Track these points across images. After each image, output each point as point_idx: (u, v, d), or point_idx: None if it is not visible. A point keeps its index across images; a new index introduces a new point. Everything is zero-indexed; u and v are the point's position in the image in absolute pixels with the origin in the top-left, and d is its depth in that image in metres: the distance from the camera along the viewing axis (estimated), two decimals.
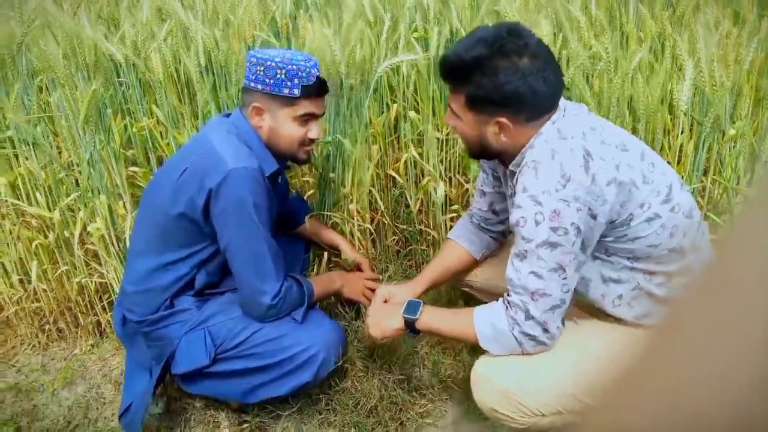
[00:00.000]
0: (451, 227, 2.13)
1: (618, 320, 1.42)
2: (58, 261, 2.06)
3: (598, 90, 1.84)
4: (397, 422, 1.76)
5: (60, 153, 2.13)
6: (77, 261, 2.02)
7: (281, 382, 1.64)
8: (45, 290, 2.08)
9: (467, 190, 2.17)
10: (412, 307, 1.52)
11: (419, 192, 2.15)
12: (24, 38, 1.99)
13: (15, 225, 2.04)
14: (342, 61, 1.83)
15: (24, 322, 2.15)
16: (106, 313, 2.13)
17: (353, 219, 2.06)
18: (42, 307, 2.12)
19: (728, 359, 0.25)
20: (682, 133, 1.84)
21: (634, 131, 1.77)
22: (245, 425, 1.78)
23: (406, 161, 2.13)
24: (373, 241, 2.22)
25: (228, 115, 1.70)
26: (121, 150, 2.05)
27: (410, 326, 1.51)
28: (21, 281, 2.10)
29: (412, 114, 2.10)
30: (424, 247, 2.24)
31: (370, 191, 2.10)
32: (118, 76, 2.20)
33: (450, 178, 2.19)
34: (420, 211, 2.21)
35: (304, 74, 1.57)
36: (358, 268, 1.98)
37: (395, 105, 2.19)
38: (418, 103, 2.16)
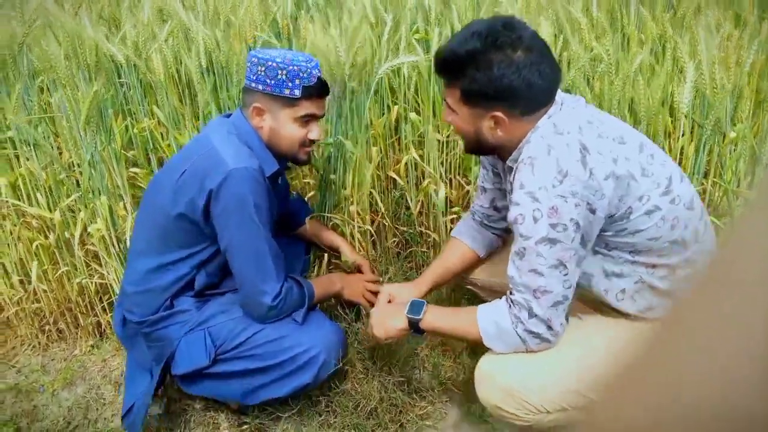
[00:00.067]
0: (451, 229, 2.13)
1: (623, 314, 1.41)
2: (58, 262, 2.07)
3: (599, 92, 1.84)
4: (397, 424, 1.75)
5: (60, 154, 2.13)
6: (77, 262, 2.03)
7: (281, 384, 1.63)
8: (45, 291, 2.08)
9: (468, 192, 2.17)
10: (415, 307, 1.52)
11: (420, 194, 2.15)
12: (25, 38, 2.00)
13: (15, 225, 2.04)
14: (347, 62, 1.83)
15: (24, 322, 2.15)
16: (107, 314, 2.13)
17: (354, 221, 2.06)
18: (42, 308, 2.12)
19: (729, 355, 0.25)
20: (682, 135, 1.84)
21: None
22: (245, 427, 1.78)
23: (406, 163, 2.13)
24: (374, 243, 2.22)
25: (229, 116, 1.69)
26: (122, 151, 2.05)
27: (414, 326, 1.51)
28: (21, 282, 2.10)
29: (412, 115, 2.10)
30: (424, 249, 2.24)
31: (371, 193, 2.10)
32: (119, 77, 2.20)
33: (450, 180, 2.19)
34: (420, 213, 2.21)
35: (305, 75, 1.57)
36: (358, 270, 1.98)
37: (396, 106, 2.19)
38: (419, 104, 2.16)
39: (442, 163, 2.13)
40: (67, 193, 2.03)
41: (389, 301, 1.67)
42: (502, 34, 1.26)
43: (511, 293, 1.35)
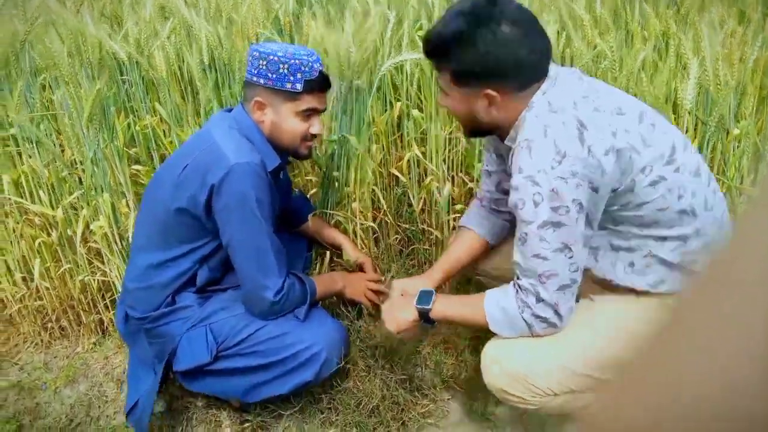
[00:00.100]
0: (454, 227, 2.13)
1: (632, 291, 1.39)
2: (60, 259, 2.07)
3: None
4: (399, 422, 1.75)
5: (63, 151, 2.13)
6: (80, 259, 2.03)
7: (283, 381, 1.63)
8: (48, 288, 2.08)
9: (470, 189, 2.16)
10: (424, 297, 1.51)
11: (422, 191, 2.15)
12: (27, 36, 2.00)
13: (18, 223, 2.04)
14: (356, 59, 1.82)
15: (27, 320, 2.15)
16: (109, 312, 2.13)
17: (356, 218, 2.05)
18: (45, 305, 2.12)
19: (729, 355, 0.25)
20: (686, 132, 1.83)
21: None
22: (247, 424, 1.78)
23: (409, 160, 2.13)
24: (376, 240, 2.22)
25: (230, 110, 1.69)
26: (125, 148, 2.05)
27: (424, 316, 1.50)
28: (24, 279, 2.10)
29: (415, 112, 2.10)
30: (426, 247, 2.24)
31: (373, 190, 2.10)
32: (122, 74, 2.20)
33: (453, 177, 2.18)
34: (423, 210, 2.21)
35: (306, 69, 1.57)
36: (360, 268, 1.97)
37: (399, 103, 2.18)
38: (421, 101, 2.15)
39: (444, 161, 2.12)
40: (70, 190, 2.03)
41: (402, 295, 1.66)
42: (485, 10, 1.24)
43: (517, 278, 1.33)
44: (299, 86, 1.58)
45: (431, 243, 2.22)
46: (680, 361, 0.26)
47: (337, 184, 2.07)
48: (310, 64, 1.57)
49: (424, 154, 2.12)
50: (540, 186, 1.22)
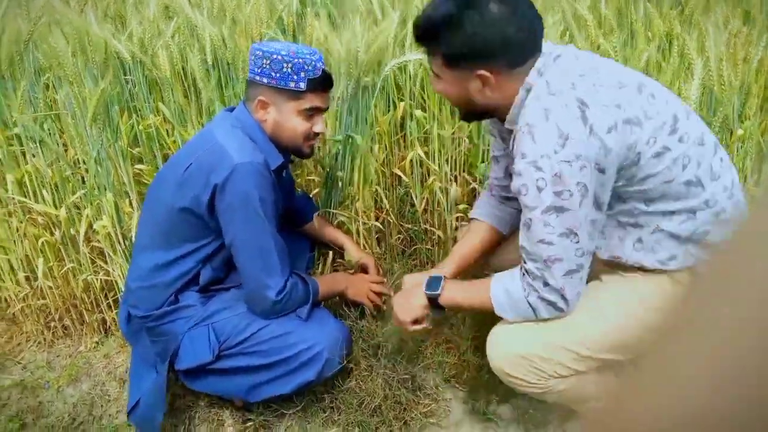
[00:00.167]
0: (456, 227, 2.13)
1: (641, 270, 1.37)
2: (63, 258, 2.07)
3: None
4: (401, 421, 1.75)
5: (66, 150, 2.14)
6: (83, 258, 2.03)
7: (285, 380, 1.63)
8: (51, 287, 2.08)
9: (474, 189, 2.16)
10: (433, 282, 1.51)
11: (425, 191, 2.15)
12: (31, 36, 2.00)
13: (21, 222, 2.04)
14: (364, 60, 1.82)
15: (30, 319, 2.16)
16: (112, 311, 2.14)
17: (360, 217, 2.05)
18: (48, 305, 2.12)
19: (737, 356, 0.25)
20: None
21: None
22: (249, 423, 1.78)
23: (411, 160, 2.13)
24: (378, 240, 2.22)
25: (232, 110, 1.69)
26: (128, 148, 2.05)
27: (434, 303, 1.50)
28: (27, 278, 2.11)
29: (418, 112, 2.10)
30: (429, 247, 2.24)
31: (376, 190, 2.10)
32: (125, 74, 2.20)
33: (455, 177, 2.18)
34: (425, 210, 2.20)
35: (310, 68, 1.57)
36: (363, 269, 1.97)
37: (402, 103, 2.18)
38: (424, 101, 2.15)
39: (447, 161, 2.12)
40: (73, 190, 2.03)
41: None
42: None
43: (524, 262, 1.32)
44: (302, 85, 1.58)
45: (434, 243, 2.22)
46: (687, 360, 0.26)
47: (340, 183, 2.07)
48: (313, 63, 1.57)
49: (426, 154, 2.12)
50: (543, 171, 1.21)
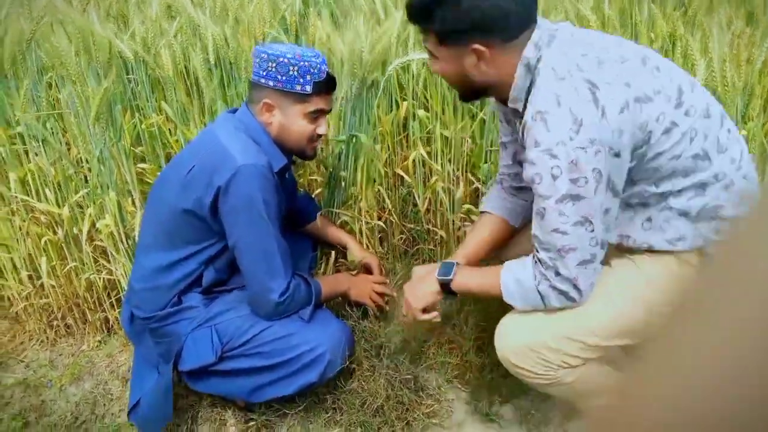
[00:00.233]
0: (459, 227, 2.13)
1: (649, 251, 1.36)
2: (66, 257, 2.07)
3: None
4: (403, 422, 1.75)
5: (69, 149, 2.14)
6: (86, 257, 2.03)
7: (288, 382, 1.63)
8: (53, 286, 2.09)
9: (476, 189, 2.16)
10: (446, 268, 1.50)
11: (427, 191, 2.15)
12: (33, 35, 2.00)
13: (24, 221, 2.05)
14: (368, 60, 1.82)
15: (32, 317, 2.16)
16: (114, 310, 2.14)
17: (363, 217, 2.05)
18: (50, 303, 2.13)
19: (742, 355, 0.25)
20: None
21: None
22: (251, 423, 1.78)
23: (414, 160, 2.13)
24: (381, 240, 2.22)
25: (234, 111, 1.70)
26: (131, 147, 2.06)
27: (446, 289, 1.49)
28: (30, 277, 2.11)
29: (421, 112, 2.10)
30: (431, 247, 2.24)
31: (378, 190, 2.10)
32: (128, 73, 2.20)
33: (458, 177, 2.18)
34: (428, 210, 2.20)
35: (315, 71, 1.58)
36: (366, 268, 1.97)
37: (405, 103, 2.18)
38: (427, 101, 2.15)
39: (450, 161, 2.12)
40: (76, 188, 2.03)
41: None
42: None
43: (536, 251, 1.31)
44: (309, 88, 1.58)
45: (436, 243, 2.22)
46: (694, 357, 0.26)
47: (343, 183, 2.07)
48: (318, 66, 1.58)
49: (429, 154, 2.12)
50: (558, 159, 1.18)
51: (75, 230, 2.01)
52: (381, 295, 1.89)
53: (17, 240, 2.06)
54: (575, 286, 1.28)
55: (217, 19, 2.09)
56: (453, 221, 2.13)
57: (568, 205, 1.21)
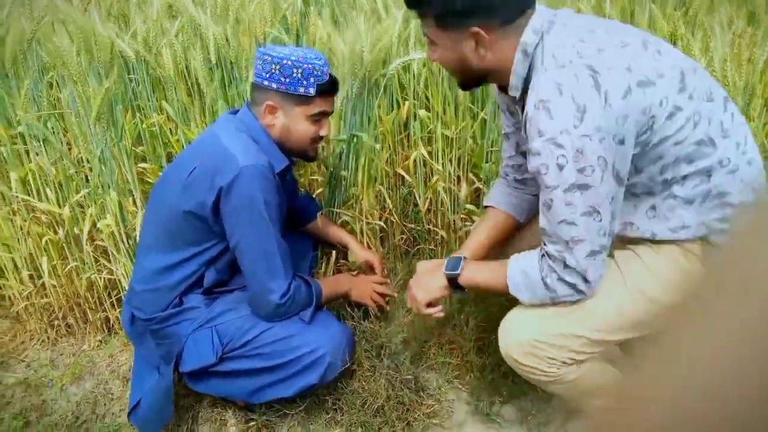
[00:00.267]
0: (461, 227, 2.13)
1: (651, 241, 1.34)
2: (67, 257, 2.07)
3: None
4: (403, 422, 1.75)
5: (70, 149, 2.14)
6: (86, 257, 2.03)
7: (288, 383, 1.63)
8: (54, 286, 2.09)
9: (477, 188, 2.16)
10: (453, 262, 1.49)
11: (428, 191, 2.14)
12: (34, 34, 2.00)
13: (25, 221, 2.05)
14: (369, 60, 1.82)
15: (33, 317, 2.16)
16: (115, 310, 2.14)
17: (364, 217, 2.05)
18: (51, 303, 2.13)
19: (742, 357, 0.25)
20: None
21: None
22: (252, 423, 1.78)
23: (415, 160, 2.13)
24: (381, 240, 2.22)
25: (235, 112, 1.70)
26: (132, 147, 2.06)
27: (454, 283, 1.48)
28: (31, 277, 2.11)
29: (422, 112, 2.10)
30: (432, 247, 2.24)
31: (379, 189, 2.10)
32: (129, 73, 2.20)
33: (459, 177, 2.18)
34: (429, 210, 2.20)
35: (318, 73, 1.58)
36: (369, 266, 1.97)
37: (406, 103, 2.18)
38: (428, 101, 2.15)
39: (451, 161, 2.12)
40: (77, 188, 2.03)
41: None
42: None
43: (544, 244, 1.29)
44: (312, 90, 1.58)
45: (437, 243, 2.22)
46: (694, 358, 0.26)
47: (344, 183, 2.07)
48: (321, 68, 1.58)
49: (430, 153, 2.12)
50: (564, 148, 1.16)
51: (76, 230, 2.01)
52: (382, 295, 1.88)
53: (18, 240, 2.07)
54: (584, 278, 1.27)
55: (218, 19, 2.09)
56: (454, 221, 2.13)
57: (575, 194, 1.19)
